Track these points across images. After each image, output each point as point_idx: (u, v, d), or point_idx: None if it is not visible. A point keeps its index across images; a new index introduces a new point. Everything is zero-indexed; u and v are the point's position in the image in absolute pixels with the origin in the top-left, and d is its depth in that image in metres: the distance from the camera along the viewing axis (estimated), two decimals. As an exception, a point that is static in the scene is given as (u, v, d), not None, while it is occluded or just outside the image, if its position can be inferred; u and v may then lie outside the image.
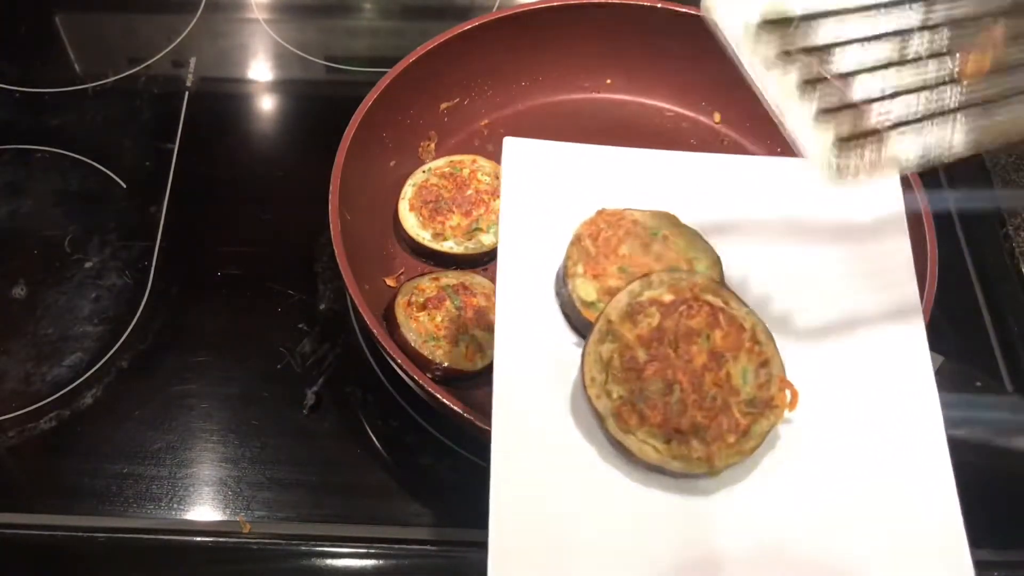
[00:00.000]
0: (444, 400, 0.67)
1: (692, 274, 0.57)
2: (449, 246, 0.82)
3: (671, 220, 0.62)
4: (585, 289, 0.59)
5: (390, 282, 0.81)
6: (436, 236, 0.82)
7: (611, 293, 0.57)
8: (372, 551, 0.72)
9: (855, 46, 0.50)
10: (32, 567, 0.72)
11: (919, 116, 0.50)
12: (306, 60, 1.02)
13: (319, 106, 0.99)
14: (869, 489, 0.54)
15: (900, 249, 0.61)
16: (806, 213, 0.63)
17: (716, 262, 0.60)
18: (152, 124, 0.96)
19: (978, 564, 0.73)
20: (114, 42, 1.05)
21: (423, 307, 0.76)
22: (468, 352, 0.75)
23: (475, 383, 0.76)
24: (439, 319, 0.76)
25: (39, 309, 0.83)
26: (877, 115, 0.50)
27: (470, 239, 0.82)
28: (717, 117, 0.93)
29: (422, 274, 0.81)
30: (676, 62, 0.91)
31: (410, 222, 0.82)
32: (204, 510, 0.74)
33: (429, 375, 0.73)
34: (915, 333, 0.58)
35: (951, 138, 0.50)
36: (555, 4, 0.89)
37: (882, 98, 0.50)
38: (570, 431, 0.55)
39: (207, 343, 0.82)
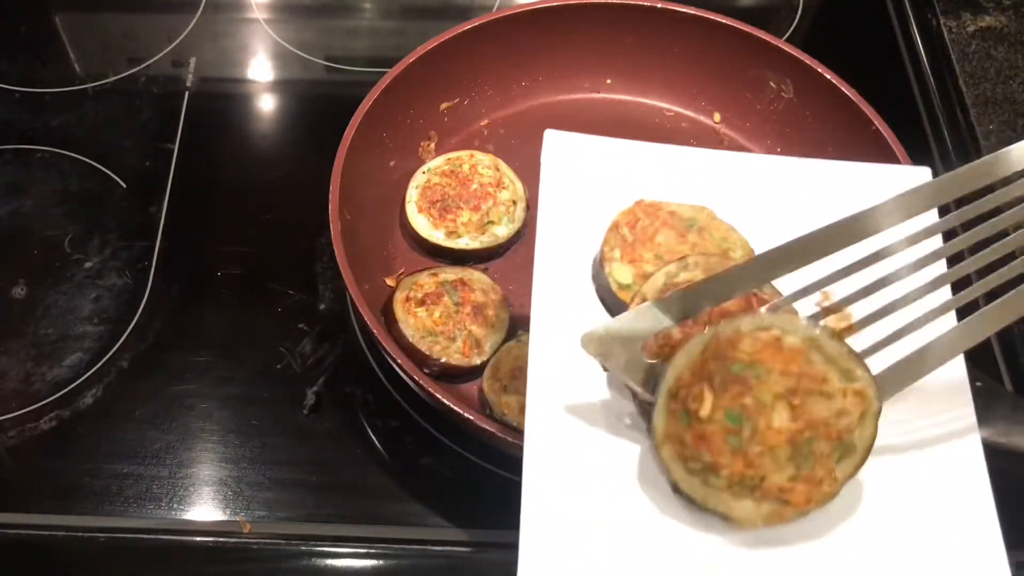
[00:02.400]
0: (442, 398, 0.67)
1: (728, 259, 0.57)
2: (464, 243, 0.82)
3: (708, 214, 0.62)
4: (621, 273, 0.59)
5: (390, 282, 0.81)
6: (450, 235, 0.82)
7: (646, 277, 0.58)
8: (372, 551, 0.72)
9: None
10: (32, 567, 0.72)
11: None
12: (306, 60, 1.02)
13: (319, 106, 0.99)
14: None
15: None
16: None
17: (751, 254, 0.61)
18: (152, 124, 0.96)
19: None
20: (114, 42, 1.05)
21: (421, 303, 0.76)
22: (465, 348, 0.75)
23: (472, 379, 0.76)
24: (437, 315, 0.76)
25: (39, 309, 0.83)
26: None
27: (483, 233, 0.82)
28: (717, 117, 0.93)
29: (421, 269, 0.81)
30: (676, 62, 0.91)
31: (421, 224, 0.82)
32: (204, 510, 0.74)
33: (427, 371, 0.73)
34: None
35: None
36: (555, 4, 0.89)
37: None
38: (606, 430, 0.54)
39: (207, 343, 0.82)
